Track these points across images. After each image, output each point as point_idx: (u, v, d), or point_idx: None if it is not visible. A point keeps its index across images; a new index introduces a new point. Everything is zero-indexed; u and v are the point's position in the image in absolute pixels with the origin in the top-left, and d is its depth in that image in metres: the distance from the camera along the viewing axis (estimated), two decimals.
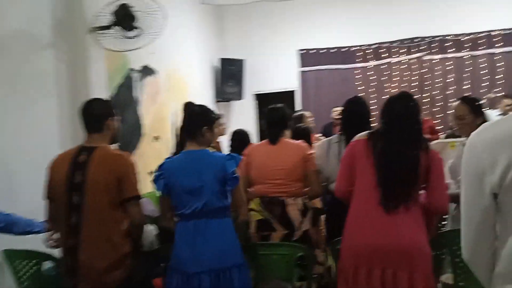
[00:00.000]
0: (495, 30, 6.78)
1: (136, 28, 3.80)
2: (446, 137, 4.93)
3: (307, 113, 4.76)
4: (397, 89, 7.21)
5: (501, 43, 6.78)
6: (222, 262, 2.24)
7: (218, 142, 4.78)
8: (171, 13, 4.05)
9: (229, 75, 7.21)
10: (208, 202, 2.26)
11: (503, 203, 1.08)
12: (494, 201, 1.09)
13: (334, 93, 7.43)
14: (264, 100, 7.91)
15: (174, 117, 5.56)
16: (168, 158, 2.46)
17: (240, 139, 3.90)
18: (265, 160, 2.85)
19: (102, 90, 3.93)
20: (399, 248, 2.03)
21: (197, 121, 2.38)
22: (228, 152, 3.30)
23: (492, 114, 5.54)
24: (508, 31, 6.74)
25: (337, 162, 2.67)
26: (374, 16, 7.15)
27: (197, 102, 6.19)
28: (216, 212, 2.30)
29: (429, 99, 7.08)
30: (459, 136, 2.83)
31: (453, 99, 6.91)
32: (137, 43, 3.91)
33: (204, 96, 6.93)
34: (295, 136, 3.76)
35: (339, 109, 6.56)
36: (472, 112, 2.56)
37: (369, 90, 7.29)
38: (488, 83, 6.90)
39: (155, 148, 4.95)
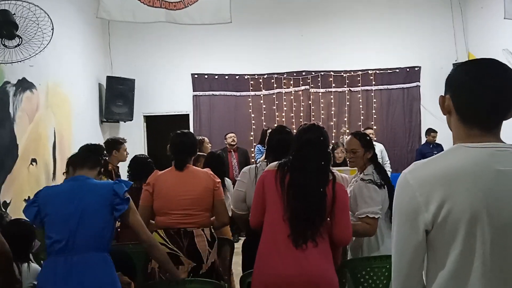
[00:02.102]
0: (370, 70, 7.61)
1: (17, 36, 3.37)
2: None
3: (206, 139, 4.65)
4: (284, 118, 7.60)
5: (375, 82, 7.60)
6: None
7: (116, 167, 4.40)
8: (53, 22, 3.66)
9: (118, 95, 6.80)
10: (89, 232, 2.02)
11: (435, 240, 1.11)
12: (425, 238, 1.12)
13: (226, 118, 7.52)
14: (155, 122, 7.63)
15: (55, 137, 5.03)
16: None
17: (139, 166, 3.51)
18: (172, 188, 2.66)
19: None
20: (308, 279, 2.04)
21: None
22: (127, 180, 3.02)
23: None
24: (381, 71, 7.62)
25: None
26: (266, 49, 7.49)
27: (81, 121, 5.89)
28: (98, 244, 2.05)
29: None
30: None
31: (335, 130, 7.54)
32: (19, 54, 3.47)
33: (88, 115, 6.42)
34: (208, 162, 3.61)
35: (232, 135, 6.69)
36: (362, 146, 2.73)
37: (261, 118, 7.53)
38: (363, 117, 7.63)
39: (31, 172, 4.37)
